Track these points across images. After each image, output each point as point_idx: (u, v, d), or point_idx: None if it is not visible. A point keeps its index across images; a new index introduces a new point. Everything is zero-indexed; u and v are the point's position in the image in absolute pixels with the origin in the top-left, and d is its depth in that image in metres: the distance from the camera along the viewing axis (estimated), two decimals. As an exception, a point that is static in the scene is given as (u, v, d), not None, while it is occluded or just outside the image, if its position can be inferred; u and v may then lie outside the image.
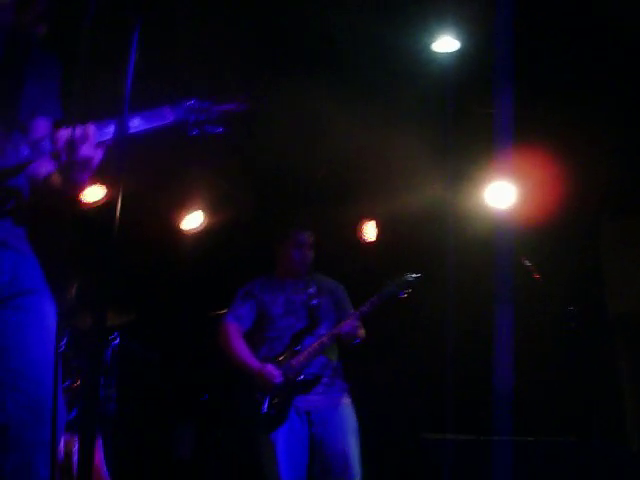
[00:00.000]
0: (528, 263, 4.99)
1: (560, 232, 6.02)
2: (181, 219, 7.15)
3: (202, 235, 7.20)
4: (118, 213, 1.77)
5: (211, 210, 7.18)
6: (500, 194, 6.03)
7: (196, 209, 7.13)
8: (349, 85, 5.31)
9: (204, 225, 7.15)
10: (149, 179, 6.36)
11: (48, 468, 2.14)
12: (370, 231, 6.93)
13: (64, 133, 2.21)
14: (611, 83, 5.16)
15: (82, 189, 2.21)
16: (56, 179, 2.38)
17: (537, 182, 5.90)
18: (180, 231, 7.17)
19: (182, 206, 7.15)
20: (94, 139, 2.21)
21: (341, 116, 5.48)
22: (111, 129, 2.26)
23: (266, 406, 4.43)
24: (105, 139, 2.26)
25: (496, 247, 4.89)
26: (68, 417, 4.20)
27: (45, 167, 2.44)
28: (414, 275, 4.73)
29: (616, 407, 5.56)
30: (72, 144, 2.13)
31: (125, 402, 5.54)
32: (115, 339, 5.56)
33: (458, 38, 4.97)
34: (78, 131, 2.17)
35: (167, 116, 2.43)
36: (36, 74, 2.50)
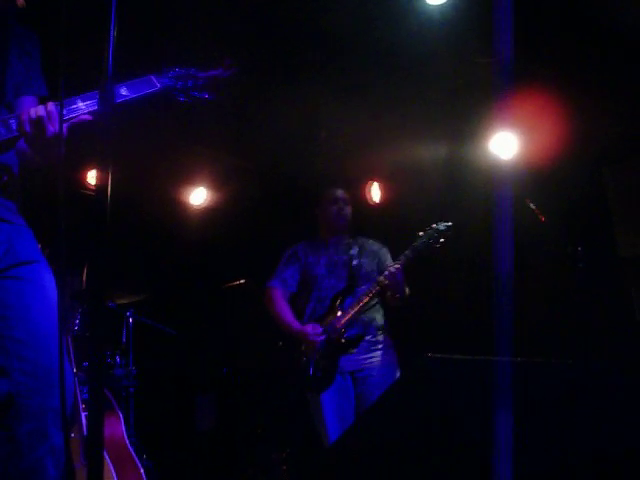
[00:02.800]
0: (532, 206, 4.99)
1: (564, 178, 6.00)
2: (186, 195, 7.17)
3: (207, 210, 7.22)
4: (109, 189, 1.74)
5: (215, 186, 7.19)
6: (503, 144, 6.01)
7: (199, 185, 7.15)
8: (346, 47, 5.29)
9: (208, 201, 7.17)
10: (151, 158, 6.40)
11: (60, 433, 2.18)
12: (374, 192, 6.92)
13: (30, 112, 2.24)
14: (608, 30, 5.11)
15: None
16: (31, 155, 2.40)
17: (539, 130, 5.86)
18: (186, 207, 7.18)
19: (186, 182, 7.16)
20: (56, 116, 2.24)
21: (339, 79, 5.47)
22: (88, 102, 2.28)
23: (312, 368, 4.48)
24: (92, 109, 2.29)
25: (497, 195, 4.88)
26: (83, 396, 4.26)
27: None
28: (445, 224, 4.65)
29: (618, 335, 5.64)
30: (38, 123, 2.16)
31: (146, 378, 5.61)
32: (130, 317, 5.62)
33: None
34: (41, 110, 2.20)
35: (154, 84, 2.45)
36: (18, 51, 2.52)
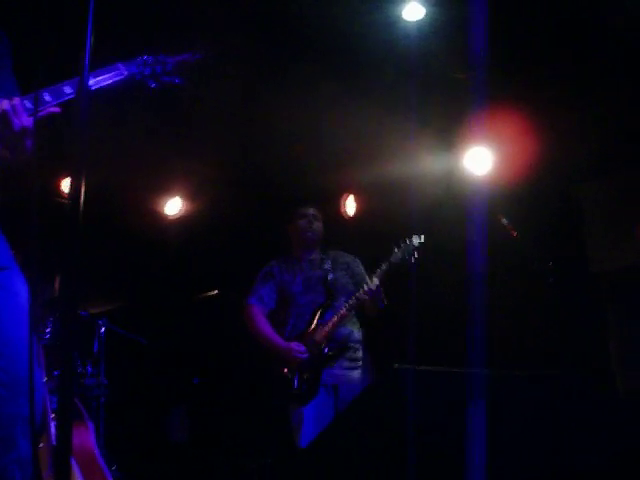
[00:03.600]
0: (505, 221, 5.05)
1: (537, 194, 6.06)
2: (161, 205, 7.15)
3: (182, 220, 7.21)
4: (82, 197, 1.72)
5: (190, 196, 7.19)
6: (477, 159, 6.05)
7: (174, 195, 7.15)
8: (321, 62, 5.31)
9: (183, 211, 7.17)
10: (126, 166, 6.37)
11: (28, 440, 2.16)
12: (350, 205, 6.95)
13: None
14: (583, 47, 5.17)
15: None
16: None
17: (513, 146, 5.91)
18: (161, 217, 7.17)
19: (162, 192, 7.15)
20: (21, 109, 2.23)
21: (313, 92, 5.48)
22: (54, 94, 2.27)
23: (297, 382, 4.56)
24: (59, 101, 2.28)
25: (471, 209, 4.93)
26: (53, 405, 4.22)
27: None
28: (418, 239, 4.75)
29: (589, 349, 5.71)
30: (3, 117, 2.14)
31: (117, 388, 5.57)
32: (102, 326, 5.58)
33: (424, 5, 4.97)
34: (5, 104, 2.19)
35: (122, 72, 2.44)
36: None
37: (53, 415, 4.12)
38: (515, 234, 5.01)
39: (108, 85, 2.40)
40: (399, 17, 5.04)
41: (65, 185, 6.42)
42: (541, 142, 5.78)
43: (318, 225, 5.04)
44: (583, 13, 4.90)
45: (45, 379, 4.41)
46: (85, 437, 4.53)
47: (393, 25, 5.11)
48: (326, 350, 4.63)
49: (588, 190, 6.44)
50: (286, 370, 4.60)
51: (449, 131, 5.97)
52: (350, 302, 4.66)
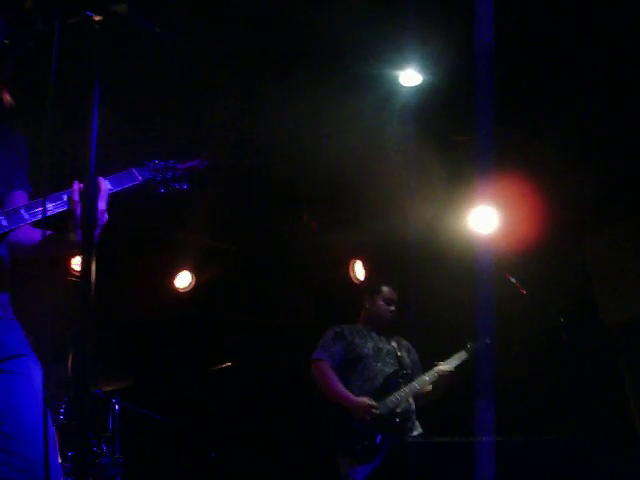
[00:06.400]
0: (513, 280, 5.07)
1: (545, 252, 6.07)
2: (170, 279, 7.22)
3: (192, 294, 7.26)
4: (94, 275, 1.76)
5: (198, 269, 7.25)
6: (483, 219, 6.09)
7: (183, 269, 7.21)
8: (319, 132, 5.40)
9: (193, 284, 7.23)
10: (133, 244, 6.44)
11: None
12: (358, 270, 6.98)
13: (78, 187, 2.27)
14: (584, 103, 5.26)
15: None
16: (54, 240, 2.41)
17: (518, 205, 5.95)
18: (171, 291, 7.22)
19: (171, 267, 7.21)
20: (106, 192, 2.29)
21: (320, 151, 5.55)
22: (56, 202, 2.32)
23: (379, 439, 4.59)
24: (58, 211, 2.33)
25: (478, 271, 4.96)
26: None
27: (27, 234, 2.50)
28: (489, 340, 5.01)
29: (608, 408, 5.66)
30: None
31: (133, 466, 5.51)
32: (116, 404, 5.55)
33: (422, 73, 5.09)
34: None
35: (135, 177, 2.51)
36: (7, 147, 2.57)
37: (70, 498, 4.08)
38: (524, 292, 5.02)
39: (122, 190, 2.46)
40: (396, 82, 5.16)
41: (75, 263, 6.48)
42: (545, 199, 5.82)
43: (395, 311, 5.17)
44: (584, 72, 5.01)
45: (60, 461, 4.38)
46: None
47: (393, 92, 5.23)
48: (398, 419, 4.71)
49: (594, 242, 6.44)
50: (354, 426, 4.64)
51: (454, 191, 6.02)
52: (431, 378, 4.85)
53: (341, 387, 4.80)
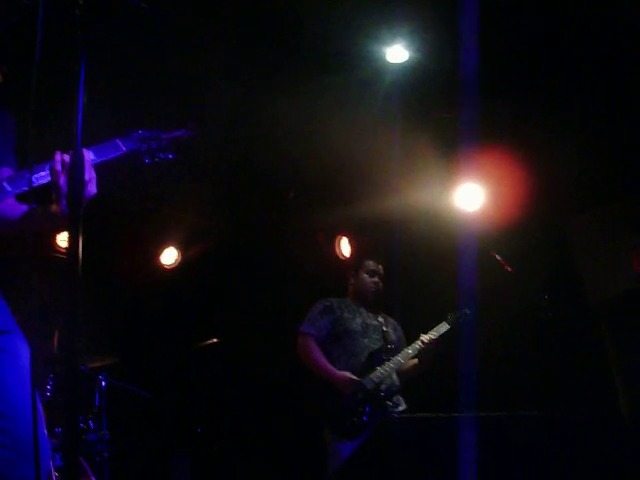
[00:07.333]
0: (498, 257, 5.09)
1: (530, 230, 6.10)
2: (156, 255, 7.21)
3: (178, 270, 7.26)
4: (80, 251, 1.75)
5: (184, 245, 7.24)
6: (468, 196, 6.10)
7: (169, 245, 7.21)
8: (309, 107, 5.38)
9: (179, 261, 7.23)
10: (120, 219, 6.42)
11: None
12: (344, 247, 6.99)
13: (60, 157, 2.26)
14: (571, 84, 5.27)
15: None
16: (39, 213, 2.40)
17: (504, 182, 5.96)
18: (157, 268, 7.21)
19: (157, 244, 7.21)
20: (90, 163, 2.27)
21: (306, 131, 5.54)
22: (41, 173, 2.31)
23: (366, 415, 4.61)
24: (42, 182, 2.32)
25: (462, 248, 4.98)
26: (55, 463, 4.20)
27: (12, 209, 2.49)
28: (469, 310, 4.99)
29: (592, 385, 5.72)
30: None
31: (120, 442, 5.53)
32: (102, 381, 5.56)
33: (409, 49, 5.08)
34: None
35: (120, 147, 2.49)
36: None
37: (57, 474, 4.10)
38: (509, 269, 5.05)
39: (106, 161, 2.44)
40: (383, 59, 5.14)
41: (61, 240, 6.45)
42: (530, 176, 5.84)
43: (381, 285, 5.18)
44: (574, 51, 5.01)
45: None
46: (90, 493, 4.51)
47: (380, 69, 5.22)
48: (382, 394, 4.72)
49: (579, 221, 6.47)
50: (341, 402, 4.63)
51: (439, 168, 6.02)
52: (412, 351, 4.84)
53: (325, 362, 4.81)
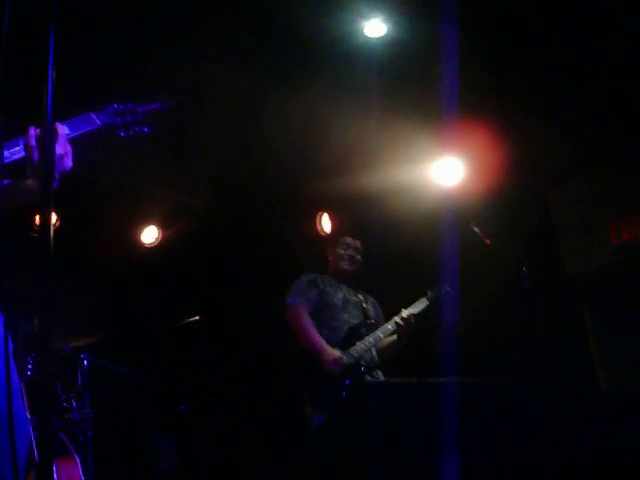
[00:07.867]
0: (477, 229, 5.10)
1: (509, 202, 6.12)
2: (137, 233, 7.17)
3: (159, 248, 7.23)
4: (52, 229, 1.72)
5: (165, 224, 7.21)
6: (448, 169, 6.11)
7: (150, 223, 7.17)
8: (291, 81, 5.35)
9: (159, 239, 7.19)
10: (99, 197, 6.37)
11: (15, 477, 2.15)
12: (325, 223, 6.98)
13: (35, 132, 2.24)
14: (551, 57, 5.26)
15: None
16: (14, 187, 2.38)
17: (483, 156, 5.97)
18: (137, 245, 7.18)
19: (136, 221, 7.17)
20: (64, 137, 2.25)
21: (284, 108, 5.52)
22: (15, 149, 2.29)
23: (345, 390, 4.58)
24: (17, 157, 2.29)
25: (442, 221, 4.98)
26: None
27: None
28: (448, 288, 4.98)
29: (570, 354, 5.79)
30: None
31: (103, 420, 5.54)
32: (85, 360, 5.55)
33: (387, 22, 5.05)
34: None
35: (94, 121, 2.48)
36: None
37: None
38: (488, 242, 5.07)
39: (81, 134, 2.42)
40: (361, 33, 5.11)
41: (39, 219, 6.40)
42: (510, 149, 5.85)
43: (358, 259, 5.16)
44: (551, 23, 5.00)
45: (29, 416, 4.39)
46: (73, 471, 4.51)
47: (358, 43, 5.19)
48: (363, 369, 4.71)
49: (558, 194, 6.51)
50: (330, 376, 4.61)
51: (419, 143, 6.01)
52: (390, 327, 4.84)
53: (318, 336, 4.77)
